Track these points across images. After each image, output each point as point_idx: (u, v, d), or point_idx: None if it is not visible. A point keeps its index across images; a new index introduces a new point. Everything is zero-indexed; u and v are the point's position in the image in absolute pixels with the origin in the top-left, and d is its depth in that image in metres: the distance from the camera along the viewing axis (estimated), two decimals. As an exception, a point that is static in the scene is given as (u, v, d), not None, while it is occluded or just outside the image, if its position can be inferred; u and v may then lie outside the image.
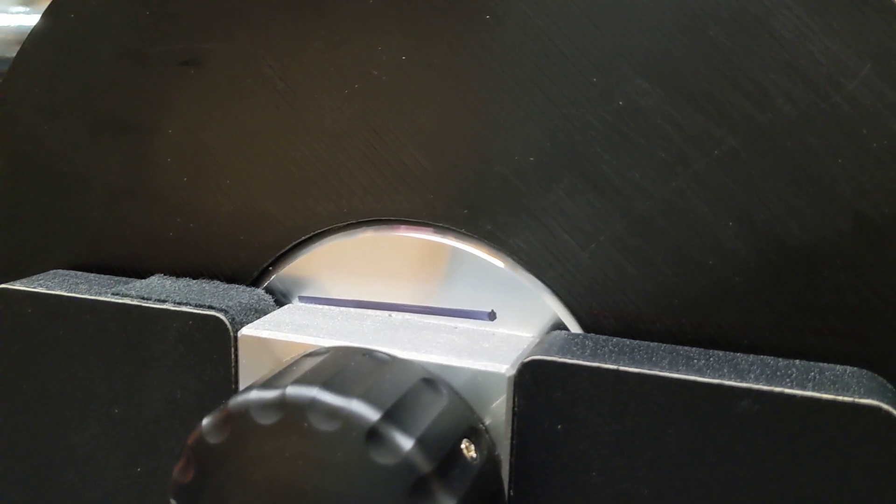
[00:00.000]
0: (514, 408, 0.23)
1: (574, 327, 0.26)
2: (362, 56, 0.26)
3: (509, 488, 0.24)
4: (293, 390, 0.21)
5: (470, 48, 0.25)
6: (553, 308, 0.26)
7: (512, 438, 0.24)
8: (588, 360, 0.23)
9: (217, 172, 0.29)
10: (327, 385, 0.21)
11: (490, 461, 0.23)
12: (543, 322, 0.26)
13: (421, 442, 0.21)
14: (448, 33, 0.25)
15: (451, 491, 0.21)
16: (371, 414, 0.21)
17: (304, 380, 0.22)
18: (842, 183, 0.23)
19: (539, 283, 0.26)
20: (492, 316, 0.27)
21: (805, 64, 0.23)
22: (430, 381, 0.23)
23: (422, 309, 0.27)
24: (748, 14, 0.23)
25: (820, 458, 0.21)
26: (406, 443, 0.21)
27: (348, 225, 0.28)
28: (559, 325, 0.26)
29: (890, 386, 0.22)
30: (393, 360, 0.23)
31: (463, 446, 0.22)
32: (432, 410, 0.22)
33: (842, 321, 0.23)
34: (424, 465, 0.21)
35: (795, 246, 0.23)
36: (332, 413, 0.21)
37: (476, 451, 0.23)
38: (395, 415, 0.21)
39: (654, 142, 0.24)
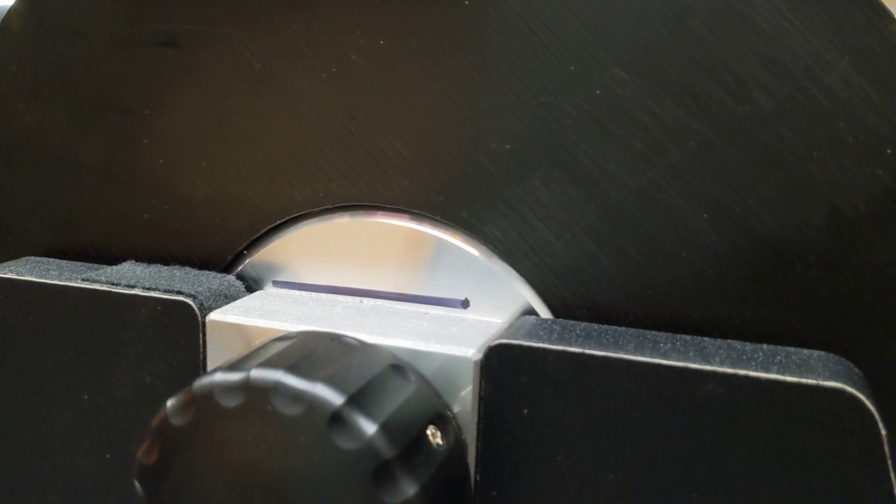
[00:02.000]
0: (480, 392, 0.24)
1: (547, 316, 0.26)
2: (340, 40, 0.27)
3: (476, 473, 0.24)
4: (257, 373, 0.21)
5: (449, 35, 0.26)
6: (526, 296, 0.26)
7: (479, 423, 0.24)
8: (554, 344, 0.23)
9: (194, 155, 0.29)
10: (292, 369, 0.22)
11: (456, 447, 0.23)
12: (516, 310, 0.27)
13: (384, 427, 0.21)
14: (427, 19, 0.26)
15: (414, 476, 0.21)
16: (335, 398, 0.21)
17: (269, 363, 0.22)
18: (817, 177, 0.23)
19: (513, 271, 0.27)
20: (465, 303, 0.27)
21: (783, 57, 0.23)
22: (398, 366, 0.23)
23: (395, 296, 0.28)
24: (728, 6, 0.23)
25: (784, 440, 0.21)
26: (369, 428, 0.21)
27: (323, 210, 0.28)
28: (532, 314, 0.26)
29: (857, 370, 0.23)
30: (361, 346, 0.24)
31: (429, 432, 0.23)
32: (398, 396, 0.22)
33: (813, 314, 0.24)
34: (387, 451, 0.21)
35: (769, 239, 0.24)
36: (296, 397, 0.21)
37: (442, 437, 0.23)
38: (359, 399, 0.21)
39: (631, 132, 0.25)
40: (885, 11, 0.22)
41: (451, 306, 0.27)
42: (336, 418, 0.21)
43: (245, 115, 0.28)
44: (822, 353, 0.23)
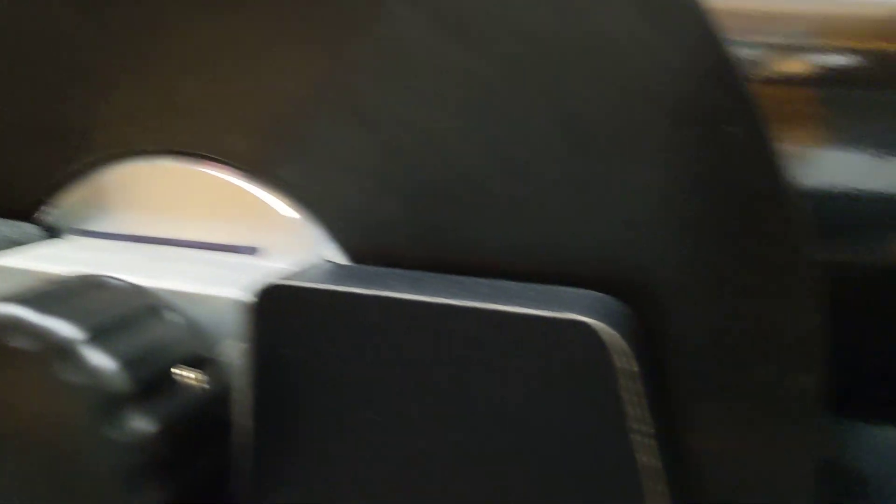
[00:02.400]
0: (253, 335, 0.23)
1: (341, 262, 0.26)
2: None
3: (253, 418, 0.24)
4: (-5, 308, 0.21)
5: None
6: (321, 242, 0.26)
7: (253, 366, 0.23)
8: (322, 284, 0.22)
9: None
10: (32, 304, 0.21)
11: (217, 391, 0.23)
12: (311, 256, 0.26)
13: (121, 364, 0.20)
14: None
15: (151, 415, 0.21)
16: (71, 333, 0.20)
17: (11, 299, 0.21)
18: (595, 117, 0.23)
19: (307, 216, 0.26)
20: (260, 251, 0.26)
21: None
22: (156, 307, 0.23)
23: (191, 243, 0.27)
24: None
25: (535, 375, 0.21)
26: (103, 363, 0.20)
27: (118, 156, 0.28)
28: (327, 260, 0.26)
29: (626, 310, 0.22)
30: (121, 287, 0.23)
31: (182, 373, 0.22)
32: (148, 336, 0.22)
33: (589, 254, 0.23)
34: (121, 388, 0.20)
35: (547, 180, 0.23)
36: (31, 332, 0.20)
37: (201, 379, 0.22)
38: (98, 337, 0.21)
39: (414, 72, 0.24)
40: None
41: (245, 253, 0.26)
42: (68, 353, 0.20)
43: (49, 52, 0.27)
44: (595, 293, 0.23)
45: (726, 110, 0.22)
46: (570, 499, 0.22)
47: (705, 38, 0.21)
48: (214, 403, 0.23)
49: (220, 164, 0.27)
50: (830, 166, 0.27)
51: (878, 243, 0.27)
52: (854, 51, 0.27)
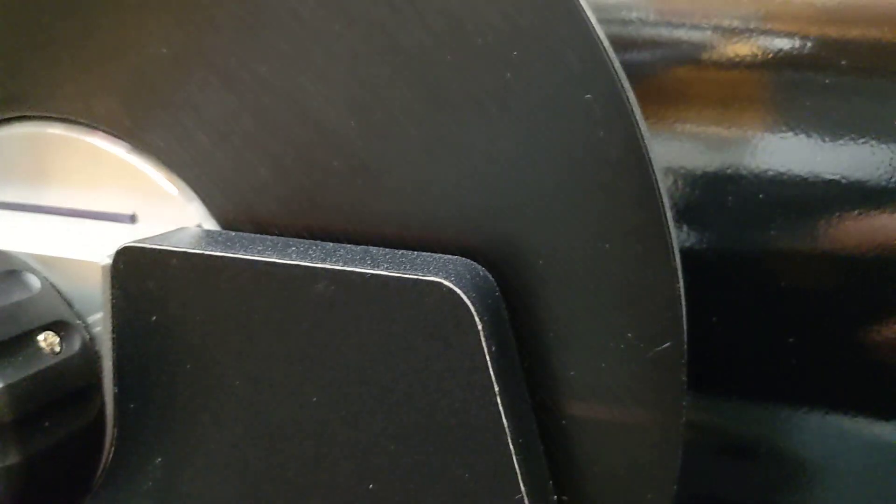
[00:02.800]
0: (110, 298, 0.23)
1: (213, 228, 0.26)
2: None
3: (115, 385, 0.24)
4: None
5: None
6: (193, 209, 0.26)
7: (112, 332, 0.23)
8: (177, 247, 0.22)
9: None
10: None
11: (79, 356, 0.23)
12: (184, 223, 0.26)
13: (-33, 324, 0.20)
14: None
15: (1, 375, 0.20)
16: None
17: None
18: (450, 80, 0.23)
19: (181, 183, 0.26)
20: (133, 218, 0.26)
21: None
22: (16, 272, 0.23)
23: (65, 211, 0.27)
24: None
25: (394, 337, 0.21)
26: (-53, 324, 0.20)
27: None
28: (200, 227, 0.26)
29: (484, 273, 0.23)
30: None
31: (41, 337, 0.22)
32: (4, 299, 0.22)
33: (452, 219, 0.24)
34: (-34, 347, 0.20)
35: (410, 144, 0.24)
36: None
37: (62, 343, 0.22)
38: (-55, 297, 0.21)
39: (277, 33, 0.24)
40: None
41: (120, 221, 0.26)
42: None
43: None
44: (456, 257, 0.23)
45: (584, 78, 0.22)
46: (432, 460, 0.22)
47: (565, 6, 0.22)
48: (78, 369, 0.23)
49: (92, 130, 0.26)
50: (773, 149, 0.28)
51: (815, 224, 0.28)
52: (798, 35, 0.28)
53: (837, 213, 0.27)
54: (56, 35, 0.26)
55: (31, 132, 0.27)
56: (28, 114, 0.27)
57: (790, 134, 0.28)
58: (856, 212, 0.27)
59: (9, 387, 0.21)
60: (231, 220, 0.26)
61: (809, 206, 0.27)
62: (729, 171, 0.28)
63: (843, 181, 0.27)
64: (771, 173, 0.28)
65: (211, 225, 0.26)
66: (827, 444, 0.29)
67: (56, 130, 0.27)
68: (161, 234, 0.24)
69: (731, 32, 0.29)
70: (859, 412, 0.28)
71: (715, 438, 0.29)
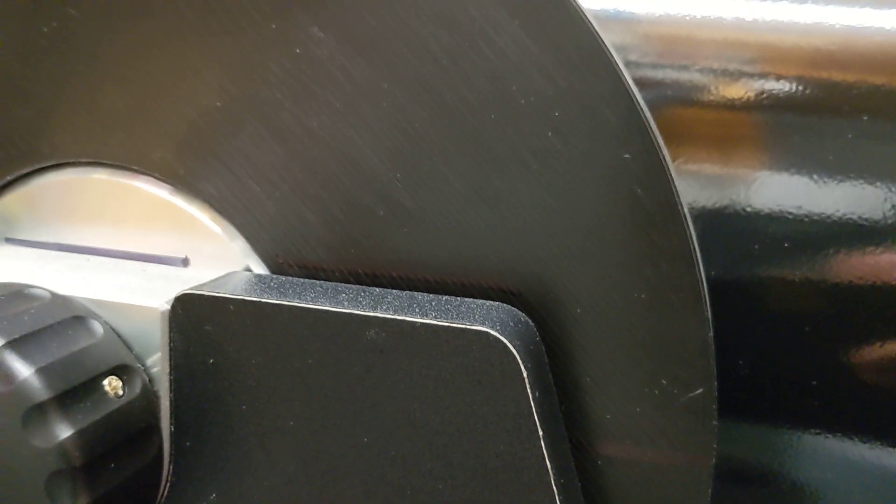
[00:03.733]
0: (170, 343, 0.24)
1: (263, 273, 0.27)
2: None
3: (171, 424, 0.25)
4: (-81, 318, 0.22)
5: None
6: (243, 254, 0.27)
7: (170, 373, 0.25)
8: (233, 294, 0.24)
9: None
10: (-45, 314, 0.22)
11: (141, 398, 0.24)
12: (234, 267, 0.27)
13: (41, 371, 0.22)
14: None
15: (71, 421, 0.22)
16: (-9, 342, 0.22)
17: (-66, 309, 0.22)
18: (494, 137, 0.24)
19: (230, 229, 0.27)
20: (185, 261, 0.28)
21: (460, 17, 0.24)
22: (82, 318, 0.24)
23: (119, 254, 0.28)
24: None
25: (443, 382, 0.23)
26: (22, 371, 0.22)
27: (52, 167, 0.29)
28: (249, 271, 0.27)
29: (525, 319, 0.24)
30: (47, 297, 0.24)
31: (106, 382, 0.23)
32: (72, 345, 0.23)
33: (494, 266, 0.25)
34: (40, 394, 0.21)
35: (454, 195, 0.25)
36: (-48, 340, 0.22)
37: (124, 387, 0.24)
38: (20, 345, 0.22)
39: (328, 90, 0.25)
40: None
41: (172, 264, 0.28)
42: (-11, 362, 0.21)
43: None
44: (499, 304, 0.24)
45: (621, 136, 0.23)
46: (478, 499, 0.24)
47: (603, 68, 0.23)
48: (140, 411, 0.24)
49: (146, 177, 0.28)
50: (770, 188, 0.29)
51: (811, 261, 0.29)
52: (795, 78, 0.29)
53: (834, 251, 0.28)
54: (118, 90, 0.27)
55: (87, 177, 0.28)
56: (85, 159, 0.28)
57: (787, 173, 0.29)
58: (853, 249, 0.28)
59: (80, 432, 0.22)
60: (279, 263, 0.27)
61: (807, 243, 0.29)
62: (726, 209, 0.30)
63: (841, 219, 0.28)
64: (768, 212, 0.29)
65: (260, 268, 0.27)
66: (844, 475, 0.30)
67: (112, 177, 0.28)
68: (215, 280, 0.25)
69: (729, 74, 0.30)
70: (877, 443, 0.29)
71: (728, 465, 0.30)
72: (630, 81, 0.24)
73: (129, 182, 0.28)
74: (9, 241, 0.29)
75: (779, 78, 0.29)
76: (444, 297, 0.25)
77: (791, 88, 0.29)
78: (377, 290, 0.25)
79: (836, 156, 0.28)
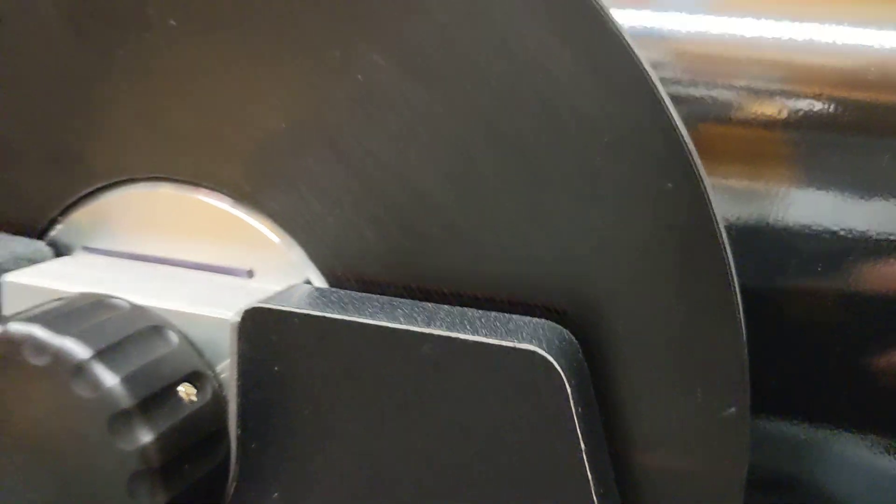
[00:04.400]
0: (238, 352, 0.26)
1: (322, 286, 0.29)
2: (132, 20, 0.29)
3: (238, 427, 0.27)
4: (14, 326, 0.24)
5: (233, 16, 0.28)
6: (305, 267, 0.29)
7: (238, 380, 0.27)
8: (298, 308, 0.26)
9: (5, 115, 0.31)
10: (46, 323, 0.24)
11: (212, 403, 0.26)
12: (296, 280, 0.29)
13: (125, 379, 0.24)
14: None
15: (152, 426, 0.24)
16: (80, 351, 0.24)
17: (27, 318, 0.25)
18: (546, 162, 0.26)
19: (293, 243, 0.29)
20: (250, 273, 0.30)
21: (515, 46, 0.26)
22: (159, 327, 0.26)
23: (189, 264, 0.30)
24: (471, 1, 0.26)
25: (492, 396, 0.24)
26: (109, 379, 0.24)
27: (124, 181, 0.31)
28: (310, 284, 0.29)
29: (570, 338, 0.25)
30: (127, 307, 0.26)
31: (181, 388, 0.25)
32: (151, 354, 0.25)
33: (544, 283, 0.27)
34: (125, 400, 0.24)
35: (506, 215, 0.27)
36: (44, 348, 0.24)
37: (198, 393, 0.26)
38: (105, 354, 0.24)
39: (388, 115, 0.27)
40: (600, 8, 0.25)
41: (238, 276, 0.30)
42: (79, 369, 0.24)
43: (50, 90, 0.31)
44: (544, 321, 0.26)
45: (666, 164, 0.25)
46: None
47: (649, 98, 0.25)
48: (213, 416, 0.26)
49: (213, 192, 0.30)
50: (803, 206, 0.30)
51: (844, 279, 0.30)
52: (830, 98, 0.30)
53: (868, 269, 0.30)
54: (185, 106, 0.29)
55: (157, 192, 0.30)
56: (155, 174, 0.30)
57: (821, 192, 0.30)
58: (887, 267, 0.29)
59: (159, 436, 0.24)
60: (338, 276, 0.29)
61: (840, 261, 0.30)
62: (756, 225, 0.31)
63: (875, 237, 0.29)
64: (801, 230, 0.30)
65: (319, 281, 0.29)
66: (872, 486, 0.31)
67: (180, 191, 0.30)
68: (280, 293, 0.27)
69: (758, 92, 0.31)
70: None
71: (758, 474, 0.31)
72: (674, 112, 0.25)
73: (200, 197, 0.30)
74: (87, 249, 0.32)
75: (813, 97, 0.30)
76: (494, 314, 0.26)
77: (825, 108, 0.30)
78: (430, 305, 0.27)
79: (871, 175, 0.29)
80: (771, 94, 0.31)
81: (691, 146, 0.25)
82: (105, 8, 0.29)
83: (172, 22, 0.29)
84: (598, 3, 0.25)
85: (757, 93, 0.31)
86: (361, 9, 0.27)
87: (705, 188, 0.25)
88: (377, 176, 0.28)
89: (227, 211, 0.30)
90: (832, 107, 0.30)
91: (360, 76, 0.27)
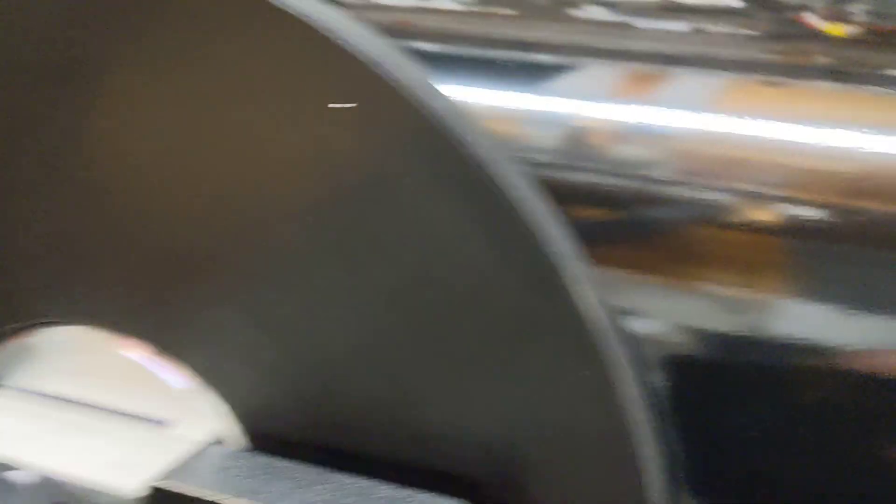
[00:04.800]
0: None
1: (242, 439, 0.29)
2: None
3: None
4: None
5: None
6: (223, 419, 0.29)
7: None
8: (201, 486, 0.25)
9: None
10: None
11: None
12: (216, 433, 0.29)
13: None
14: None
15: None
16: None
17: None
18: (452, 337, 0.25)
19: (213, 396, 0.29)
20: (168, 423, 0.29)
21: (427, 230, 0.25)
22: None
23: (108, 409, 0.30)
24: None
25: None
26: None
27: (46, 322, 0.30)
28: (228, 437, 0.29)
29: None
30: (20, 487, 0.26)
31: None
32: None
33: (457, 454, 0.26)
34: None
35: (417, 388, 0.26)
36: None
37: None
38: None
39: (303, 284, 0.27)
40: (516, 200, 0.24)
41: (155, 423, 0.29)
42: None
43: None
44: (456, 500, 0.25)
45: (578, 357, 0.24)
46: None
47: (562, 293, 0.24)
48: None
49: (134, 339, 0.29)
50: (792, 315, 0.29)
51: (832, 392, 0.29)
52: (823, 204, 0.28)
53: (854, 383, 0.28)
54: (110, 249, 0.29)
55: (80, 335, 0.30)
56: (77, 318, 0.30)
57: (810, 301, 0.29)
58: (873, 381, 0.28)
59: None
60: (256, 431, 0.28)
61: (827, 374, 0.29)
62: (747, 333, 0.30)
63: (862, 350, 0.28)
64: (788, 339, 0.29)
65: (237, 433, 0.29)
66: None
67: (102, 336, 0.29)
68: (188, 461, 0.27)
69: (755, 197, 0.30)
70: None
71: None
72: (590, 298, 0.24)
73: (121, 345, 0.29)
74: (8, 384, 0.31)
75: (807, 204, 0.28)
76: (404, 494, 0.26)
77: (819, 215, 0.28)
78: (338, 478, 0.26)
79: (863, 287, 0.28)
80: (769, 199, 0.29)
81: (609, 333, 0.24)
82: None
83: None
84: (514, 194, 0.24)
85: (754, 196, 0.29)
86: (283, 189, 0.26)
87: (623, 381, 0.24)
88: (292, 340, 0.27)
89: (147, 359, 0.29)
90: (833, 214, 0.28)
91: (284, 253, 0.26)
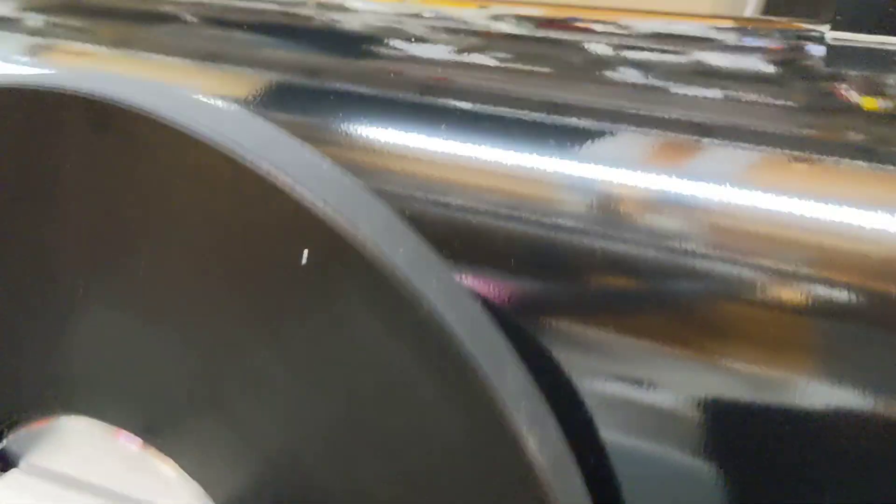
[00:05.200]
0: None
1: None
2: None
3: None
4: None
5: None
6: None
7: None
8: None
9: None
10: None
11: None
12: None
13: None
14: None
15: None
16: None
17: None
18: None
19: (191, 483, 0.30)
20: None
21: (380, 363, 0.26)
22: None
23: (104, 491, 0.32)
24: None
25: None
26: None
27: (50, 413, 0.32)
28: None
29: None
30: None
31: None
32: None
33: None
34: None
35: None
36: None
37: None
38: None
39: (275, 398, 0.28)
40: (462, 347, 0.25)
41: None
42: None
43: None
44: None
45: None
46: None
47: (510, 438, 0.24)
48: None
49: (129, 433, 0.31)
50: (814, 396, 0.29)
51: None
52: (851, 286, 0.28)
53: (878, 466, 0.28)
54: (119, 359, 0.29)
55: (81, 426, 0.32)
56: (82, 411, 0.31)
57: (833, 383, 0.28)
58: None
59: None
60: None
61: (850, 456, 0.28)
62: (767, 411, 0.29)
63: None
64: (810, 419, 0.29)
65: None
66: None
67: (100, 428, 0.31)
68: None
69: (784, 275, 0.29)
70: None
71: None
72: (534, 445, 0.25)
73: (117, 436, 0.31)
74: (26, 468, 0.32)
75: (837, 285, 0.28)
76: None
77: (848, 297, 0.28)
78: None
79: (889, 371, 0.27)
80: (796, 278, 0.28)
81: (551, 477, 0.24)
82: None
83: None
84: (457, 339, 0.24)
85: (782, 274, 0.29)
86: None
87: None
88: (266, 446, 0.28)
89: (137, 449, 0.31)
90: (860, 296, 0.28)
91: (253, 362, 0.28)
